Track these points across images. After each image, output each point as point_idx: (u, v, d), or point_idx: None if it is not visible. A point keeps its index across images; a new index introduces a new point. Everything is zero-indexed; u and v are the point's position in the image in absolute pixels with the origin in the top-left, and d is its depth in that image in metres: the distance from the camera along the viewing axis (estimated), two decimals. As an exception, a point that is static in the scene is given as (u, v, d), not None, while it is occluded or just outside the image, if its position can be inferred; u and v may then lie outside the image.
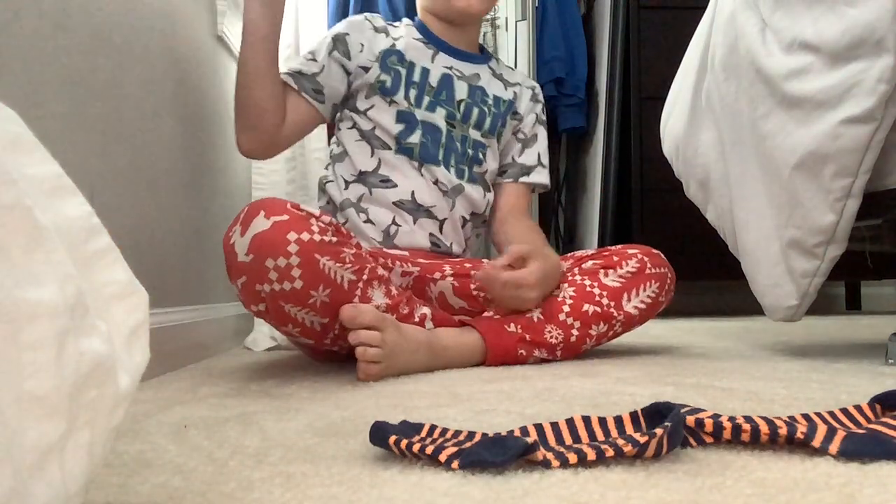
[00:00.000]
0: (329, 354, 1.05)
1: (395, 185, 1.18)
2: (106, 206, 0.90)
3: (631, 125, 2.29)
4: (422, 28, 1.28)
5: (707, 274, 2.22)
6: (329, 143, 1.37)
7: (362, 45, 1.22)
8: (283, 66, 1.58)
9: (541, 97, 1.37)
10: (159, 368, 1.00)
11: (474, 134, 1.25)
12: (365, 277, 0.94)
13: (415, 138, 1.20)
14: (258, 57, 1.11)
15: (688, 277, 2.15)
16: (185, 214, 1.24)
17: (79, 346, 0.27)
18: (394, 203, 1.18)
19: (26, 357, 0.25)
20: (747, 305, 1.59)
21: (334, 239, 0.92)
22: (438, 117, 1.22)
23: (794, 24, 0.96)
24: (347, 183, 1.20)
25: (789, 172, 0.97)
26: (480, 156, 1.26)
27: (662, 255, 1.15)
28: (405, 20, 1.31)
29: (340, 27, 1.24)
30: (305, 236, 0.88)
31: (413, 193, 1.19)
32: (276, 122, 1.16)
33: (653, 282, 1.10)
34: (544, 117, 1.37)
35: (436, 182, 1.21)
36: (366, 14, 1.28)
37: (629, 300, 1.09)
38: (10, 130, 0.28)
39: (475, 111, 1.25)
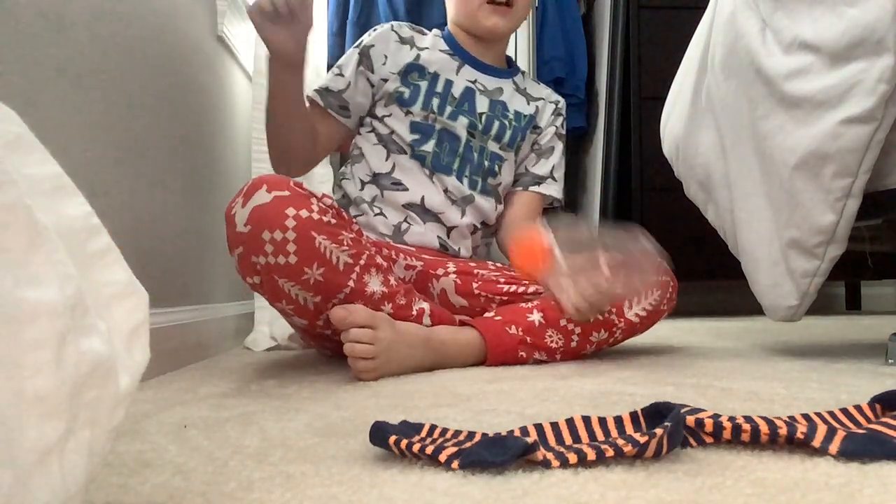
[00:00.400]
0: (325, 340, 1.05)
1: (406, 189, 1.20)
2: (106, 206, 0.90)
3: (631, 125, 2.29)
4: (449, 40, 1.29)
5: (707, 274, 2.22)
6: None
7: (385, 56, 1.23)
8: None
9: (563, 111, 1.37)
10: (159, 368, 1.00)
11: (493, 146, 1.26)
12: (362, 262, 0.95)
13: (428, 147, 1.21)
14: (287, 109, 1.13)
15: (688, 277, 2.15)
16: (185, 214, 1.24)
17: (79, 346, 0.27)
18: (403, 206, 1.20)
19: (26, 357, 0.25)
20: (747, 305, 1.59)
21: (333, 221, 0.93)
22: (460, 126, 1.23)
23: (794, 24, 0.96)
24: (363, 183, 1.22)
25: (789, 172, 0.97)
26: (496, 168, 1.27)
27: (665, 264, 1.15)
28: (435, 30, 1.31)
29: (367, 39, 1.25)
30: (304, 213, 0.89)
31: (423, 198, 1.20)
32: (308, 150, 1.20)
33: (654, 290, 1.11)
34: (564, 132, 1.36)
35: (446, 190, 1.22)
36: (393, 23, 1.28)
37: (630, 308, 1.09)
38: (10, 130, 0.28)
39: (496, 124, 1.26)
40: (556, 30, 2.42)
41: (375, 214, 1.20)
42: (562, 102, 1.37)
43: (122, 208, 0.96)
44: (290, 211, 0.89)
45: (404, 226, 1.19)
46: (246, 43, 1.71)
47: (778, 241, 1.03)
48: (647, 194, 2.28)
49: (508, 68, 1.34)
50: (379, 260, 0.99)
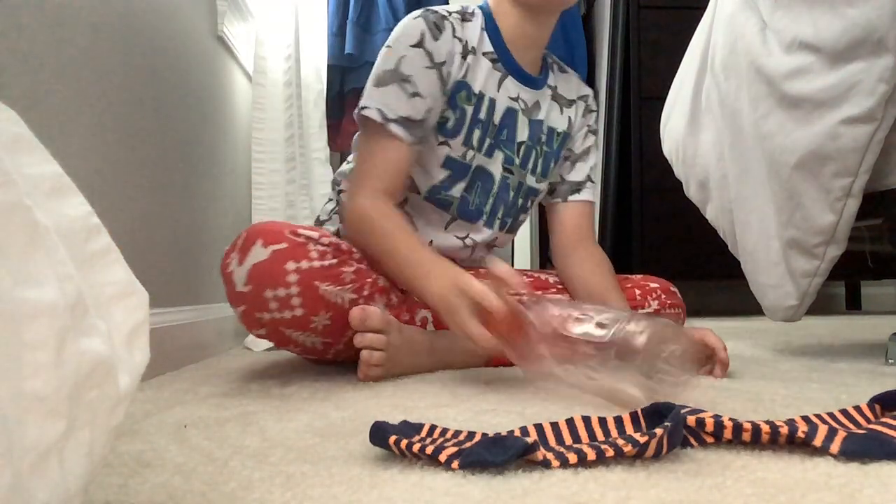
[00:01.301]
0: (328, 361, 1.05)
1: (416, 229, 1.06)
2: (106, 206, 0.90)
3: (631, 125, 2.30)
4: (492, 28, 1.06)
5: (707, 274, 2.22)
6: (333, 145, 1.32)
7: (449, 73, 1.01)
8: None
9: (594, 107, 1.20)
10: (159, 368, 1.00)
11: (531, 180, 1.12)
12: (365, 293, 0.93)
13: (456, 191, 1.06)
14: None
15: (688, 277, 2.15)
16: (186, 214, 1.24)
17: (79, 346, 0.27)
18: None
19: (26, 357, 0.25)
20: (747, 305, 1.59)
21: (334, 261, 0.90)
22: (495, 163, 1.07)
23: (794, 23, 0.96)
24: None
25: (789, 172, 0.97)
26: (529, 204, 1.15)
27: (677, 293, 1.15)
28: (478, 15, 1.06)
29: (436, 48, 0.99)
30: (305, 264, 0.86)
31: (432, 241, 1.08)
32: None
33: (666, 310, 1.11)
34: (596, 126, 1.21)
35: (465, 237, 1.09)
36: (454, 24, 1.02)
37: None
38: (10, 130, 0.28)
39: (533, 155, 1.11)
40: (557, 30, 2.42)
41: None
42: (591, 96, 1.20)
43: (122, 208, 0.96)
44: (291, 265, 0.85)
45: None
46: (246, 43, 1.71)
47: (778, 241, 1.03)
48: (647, 194, 2.28)
49: (542, 68, 1.14)
50: (381, 282, 0.97)
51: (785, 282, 1.03)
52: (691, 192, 1.30)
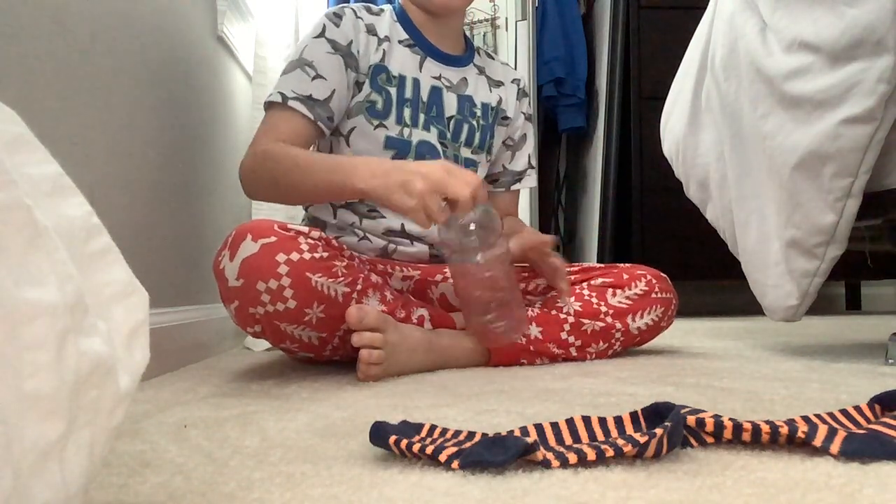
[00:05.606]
0: (328, 361, 1.05)
1: (384, 217, 1.12)
2: (106, 206, 0.90)
3: (631, 125, 2.30)
4: (404, 20, 1.17)
5: (707, 274, 2.22)
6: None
7: (359, 51, 1.10)
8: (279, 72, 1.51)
9: (527, 90, 1.30)
10: (159, 368, 1.00)
11: (465, 152, 1.19)
12: (359, 288, 0.93)
13: None
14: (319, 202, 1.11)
15: (688, 277, 2.15)
16: (185, 214, 1.24)
17: (79, 346, 0.27)
18: (384, 233, 1.13)
19: (26, 357, 0.25)
20: (747, 305, 1.59)
21: (325, 254, 0.90)
22: (433, 137, 1.14)
23: (794, 24, 0.96)
24: (335, 208, 1.13)
25: (789, 172, 0.97)
26: None
27: (668, 280, 1.15)
28: (387, 9, 1.17)
29: (337, 31, 1.08)
30: (295, 256, 0.87)
31: (403, 225, 1.13)
32: None
33: (658, 306, 1.10)
34: (531, 111, 1.31)
35: None
36: (354, 8, 1.12)
37: (633, 321, 1.09)
38: (10, 130, 0.28)
39: (465, 128, 1.18)
40: (556, 30, 2.42)
41: (360, 239, 1.12)
42: (523, 80, 1.30)
43: (122, 208, 0.96)
44: (281, 257, 0.86)
45: (391, 247, 1.13)
46: (246, 43, 1.71)
47: (778, 241, 1.03)
48: (647, 194, 2.28)
49: (467, 49, 1.23)
50: (374, 279, 0.97)
51: (785, 282, 1.03)
52: (691, 192, 1.30)
